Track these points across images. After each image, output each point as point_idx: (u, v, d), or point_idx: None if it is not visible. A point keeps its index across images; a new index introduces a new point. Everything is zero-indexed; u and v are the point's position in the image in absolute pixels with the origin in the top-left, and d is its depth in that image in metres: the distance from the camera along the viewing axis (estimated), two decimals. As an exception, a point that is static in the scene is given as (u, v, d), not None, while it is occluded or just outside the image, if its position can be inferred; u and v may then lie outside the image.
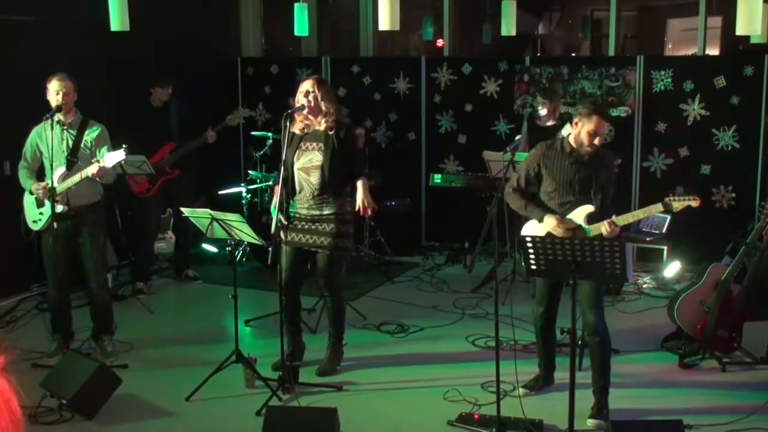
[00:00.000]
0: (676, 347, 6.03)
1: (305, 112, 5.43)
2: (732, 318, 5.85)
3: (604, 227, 4.86)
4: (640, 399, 5.35)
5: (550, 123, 7.59)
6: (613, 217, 4.88)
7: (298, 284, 5.74)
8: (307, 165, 5.47)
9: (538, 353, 5.49)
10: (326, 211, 5.51)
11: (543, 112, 7.62)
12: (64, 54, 7.29)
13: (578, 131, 4.96)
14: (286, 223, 5.52)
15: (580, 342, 5.43)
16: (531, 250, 4.38)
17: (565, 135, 5.22)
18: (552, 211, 5.01)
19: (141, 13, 6.60)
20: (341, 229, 5.55)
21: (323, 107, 5.46)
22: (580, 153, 4.99)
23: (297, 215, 5.57)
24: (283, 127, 5.30)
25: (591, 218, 4.94)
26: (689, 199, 4.87)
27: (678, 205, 4.87)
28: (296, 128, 5.50)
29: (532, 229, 5.06)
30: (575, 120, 5.01)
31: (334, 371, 5.77)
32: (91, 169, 5.58)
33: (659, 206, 4.92)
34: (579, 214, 4.97)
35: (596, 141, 4.92)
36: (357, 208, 5.58)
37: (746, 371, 5.77)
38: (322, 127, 5.47)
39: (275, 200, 5.53)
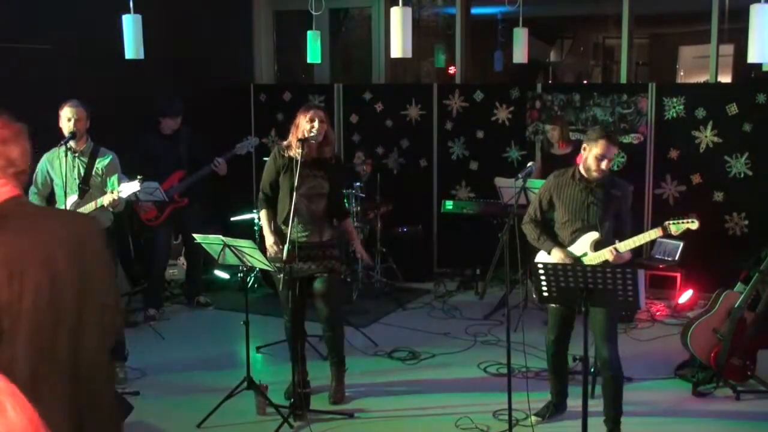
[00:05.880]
0: (689, 375, 5.99)
1: (319, 140, 5.44)
2: (746, 346, 5.81)
3: (608, 253, 4.86)
4: (653, 427, 5.31)
5: (564, 151, 7.64)
6: (616, 243, 4.87)
7: (304, 312, 5.72)
8: (312, 192, 5.47)
9: (550, 380, 5.47)
10: (325, 237, 5.55)
11: (555, 137, 7.66)
12: (78, 81, 7.36)
13: (586, 156, 4.93)
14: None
15: (592, 370, 5.40)
16: (543, 277, 4.37)
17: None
18: (560, 244, 5.03)
19: (155, 40, 6.65)
20: (337, 253, 5.63)
21: (330, 137, 5.54)
22: (590, 180, 4.98)
23: (296, 243, 5.48)
24: (300, 151, 5.31)
25: (597, 245, 4.93)
26: (688, 222, 4.84)
27: (675, 228, 4.86)
28: (294, 152, 5.42)
29: (545, 258, 5.05)
30: (584, 145, 4.98)
31: (345, 397, 5.77)
32: (107, 199, 5.62)
33: (658, 231, 4.90)
34: (585, 242, 4.96)
35: (603, 165, 4.88)
36: (356, 254, 5.62)
37: (761, 399, 5.72)
38: (326, 156, 5.51)
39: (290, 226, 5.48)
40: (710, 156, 8.09)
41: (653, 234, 4.95)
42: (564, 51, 16.51)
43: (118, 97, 7.83)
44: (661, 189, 8.31)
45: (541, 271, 4.36)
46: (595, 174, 4.92)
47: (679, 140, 8.20)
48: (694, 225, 4.86)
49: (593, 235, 4.94)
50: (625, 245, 4.87)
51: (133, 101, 7.99)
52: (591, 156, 4.89)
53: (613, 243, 4.90)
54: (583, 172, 5.00)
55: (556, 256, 4.97)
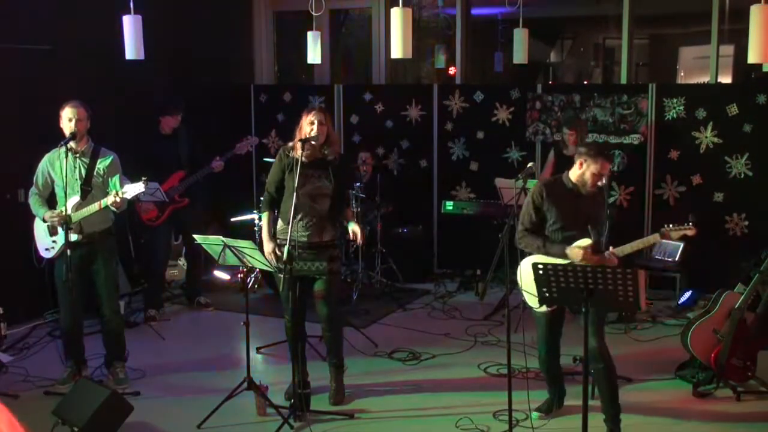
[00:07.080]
0: (689, 376, 5.99)
1: (320, 141, 5.45)
2: (746, 346, 5.81)
3: (606, 256, 4.96)
4: (654, 428, 5.31)
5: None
6: (611, 249, 4.99)
7: (305, 312, 5.71)
8: (315, 192, 5.47)
9: (547, 384, 5.50)
10: (326, 238, 5.54)
11: (572, 140, 7.62)
12: (79, 82, 7.36)
13: (583, 171, 5.05)
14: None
15: (592, 370, 5.40)
16: (543, 278, 4.37)
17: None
18: (568, 243, 5.04)
19: (155, 40, 6.65)
20: (336, 253, 5.63)
21: (333, 138, 5.54)
22: (579, 189, 5.09)
23: (297, 242, 5.49)
24: (301, 151, 5.34)
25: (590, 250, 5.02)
26: (685, 228, 5.00)
27: (675, 234, 5.04)
28: (296, 154, 5.45)
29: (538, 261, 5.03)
30: (580, 160, 5.08)
31: (345, 398, 5.77)
32: (110, 200, 5.61)
33: (656, 237, 5.10)
34: (579, 246, 5.01)
35: (599, 182, 5.05)
36: (351, 237, 5.67)
37: (761, 400, 5.71)
38: (330, 156, 5.51)
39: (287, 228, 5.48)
40: (710, 157, 8.09)
41: (651, 239, 5.15)
42: (564, 51, 16.51)
43: (118, 97, 7.84)
44: (661, 189, 8.30)
45: (541, 273, 4.35)
46: (590, 188, 5.07)
47: (680, 141, 8.20)
48: (691, 231, 5.04)
49: (586, 241, 5.00)
50: (621, 250, 4.98)
51: (133, 101, 7.99)
52: (588, 172, 5.04)
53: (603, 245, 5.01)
54: (575, 182, 5.11)
55: (576, 255, 4.95)
